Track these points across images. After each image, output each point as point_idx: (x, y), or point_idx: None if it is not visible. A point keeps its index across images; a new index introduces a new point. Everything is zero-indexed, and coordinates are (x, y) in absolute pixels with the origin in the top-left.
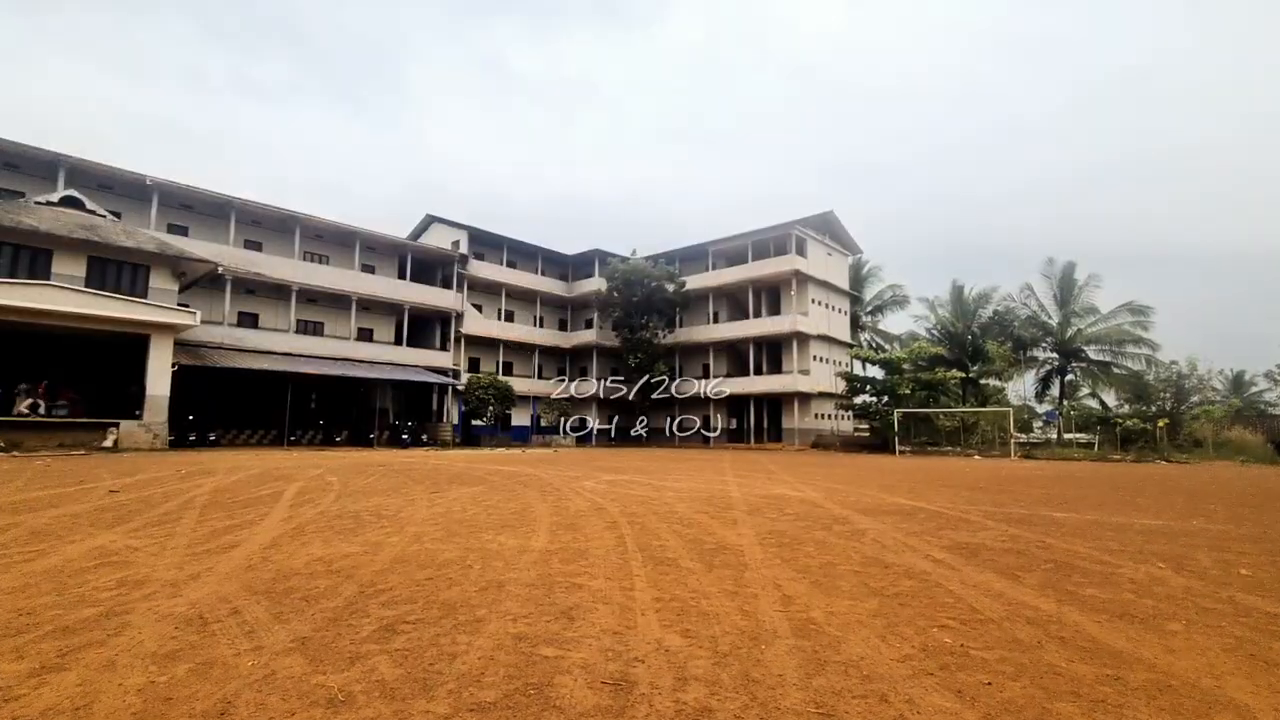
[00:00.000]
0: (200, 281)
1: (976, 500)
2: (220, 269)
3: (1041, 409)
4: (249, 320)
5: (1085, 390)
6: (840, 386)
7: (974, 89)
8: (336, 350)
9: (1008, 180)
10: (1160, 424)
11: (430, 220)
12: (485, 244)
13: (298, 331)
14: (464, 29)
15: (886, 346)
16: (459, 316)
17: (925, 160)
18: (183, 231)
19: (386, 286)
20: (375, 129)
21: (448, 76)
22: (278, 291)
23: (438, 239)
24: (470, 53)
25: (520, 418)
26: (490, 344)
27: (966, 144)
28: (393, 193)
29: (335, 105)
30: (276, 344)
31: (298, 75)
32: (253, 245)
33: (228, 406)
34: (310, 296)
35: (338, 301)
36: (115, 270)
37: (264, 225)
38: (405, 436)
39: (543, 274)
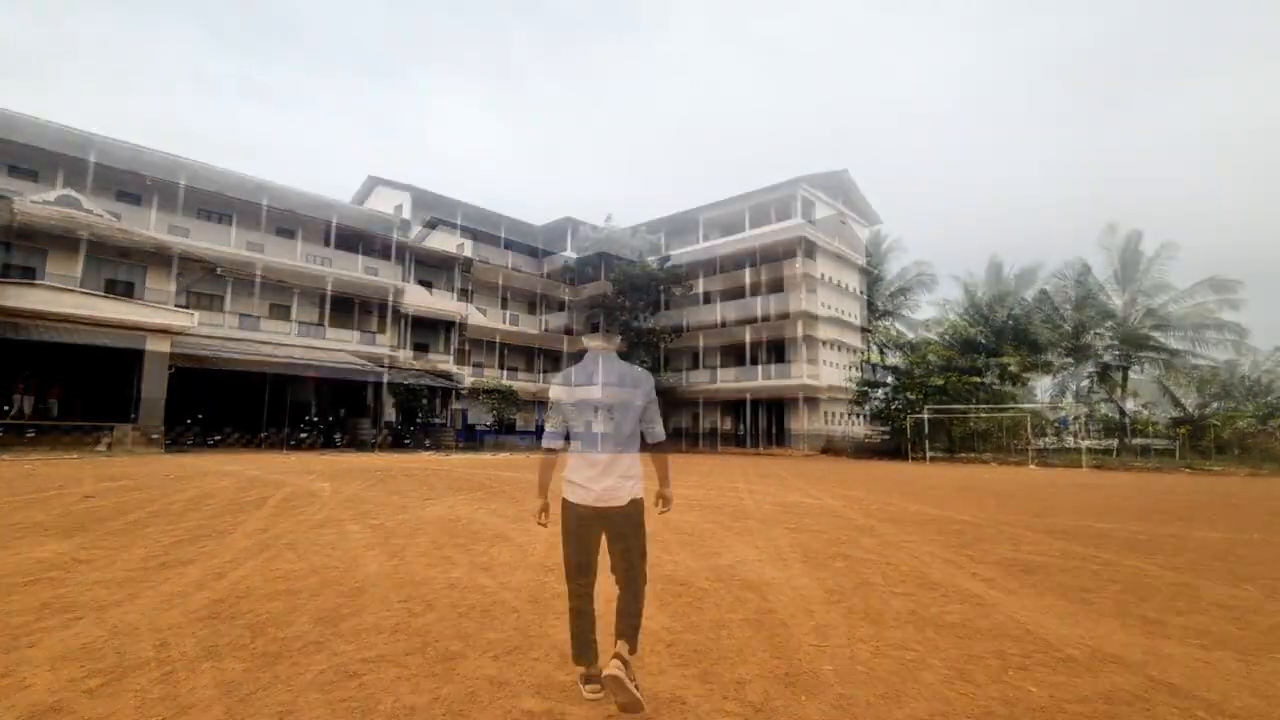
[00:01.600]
0: (200, 282)
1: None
2: (219, 270)
3: (1060, 412)
4: (250, 322)
5: (1099, 394)
6: (854, 376)
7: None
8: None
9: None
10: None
11: (374, 183)
12: (445, 212)
13: (300, 334)
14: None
15: (909, 334)
16: (463, 323)
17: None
18: (184, 233)
19: (389, 289)
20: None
21: (448, 77)
22: (279, 293)
23: (382, 203)
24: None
25: (524, 421)
26: (493, 347)
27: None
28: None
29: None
30: (277, 346)
31: (298, 76)
32: (254, 246)
33: (227, 409)
34: (314, 299)
35: (339, 304)
36: (111, 270)
37: (266, 228)
38: (407, 440)
39: (508, 250)
